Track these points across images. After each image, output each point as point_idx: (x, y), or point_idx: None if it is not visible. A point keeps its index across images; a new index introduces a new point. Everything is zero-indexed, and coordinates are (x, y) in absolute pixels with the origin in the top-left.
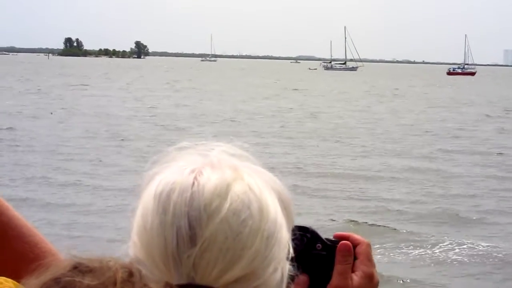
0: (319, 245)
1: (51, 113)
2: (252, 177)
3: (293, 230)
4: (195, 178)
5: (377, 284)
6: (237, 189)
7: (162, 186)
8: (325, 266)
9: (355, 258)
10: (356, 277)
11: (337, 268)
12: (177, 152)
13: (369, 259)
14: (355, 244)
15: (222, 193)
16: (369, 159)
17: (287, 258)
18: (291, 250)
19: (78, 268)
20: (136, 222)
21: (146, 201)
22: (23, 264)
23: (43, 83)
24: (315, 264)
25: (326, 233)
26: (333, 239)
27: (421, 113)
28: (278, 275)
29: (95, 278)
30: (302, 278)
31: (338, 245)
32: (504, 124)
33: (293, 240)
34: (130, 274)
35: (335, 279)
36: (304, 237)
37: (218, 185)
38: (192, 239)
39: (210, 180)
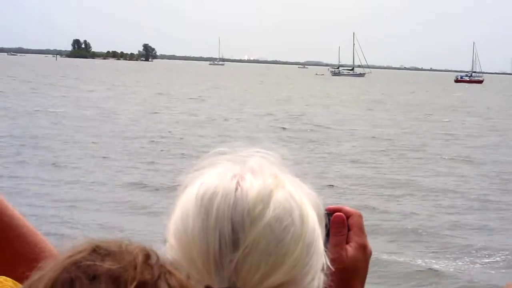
0: None
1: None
2: (292, 185)
3: None
4: (238, 183)
5: (370, 254)
6: (279, 196)
7: (204, 189)
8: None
9: (348, 229)
10: (350, 248)
11: (332, 240)
12: (215, 157)
13: (362, 230)
14: (347, 216)
15: (265, 199)
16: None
17: (322, 269)
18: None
19: (97, 251)
20: (175, 224)
21: (186, 204)
22: (24, 264)
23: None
24: None
25: None
26: (326, 212)
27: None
28: (315, 284)
29: (115, 261)
30: None
31: (332, 217)
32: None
33: None
34: (147, 256)
35: (330, 251)
36: None
37: (261, 191)
38: (235, 243)
39: (253, 186)
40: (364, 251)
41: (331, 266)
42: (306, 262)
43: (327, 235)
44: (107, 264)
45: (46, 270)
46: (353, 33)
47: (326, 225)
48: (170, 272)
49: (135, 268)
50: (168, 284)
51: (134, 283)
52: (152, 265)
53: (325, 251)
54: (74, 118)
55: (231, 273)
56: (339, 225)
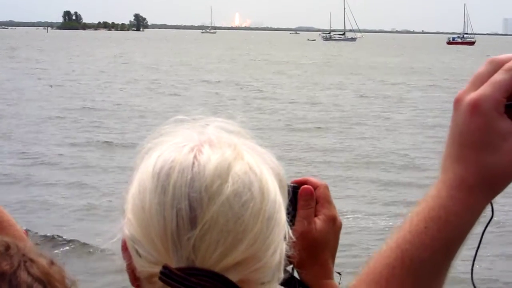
0: None
1: (50, 86)
2: (251, 156)
3: None
4: (195, 157)
5: (340, 226)
6: (237, 169)
7: (161, 164)
8: (288, 212)
9: (315, 202)
10: (319, 221)
11: (300, 213)
12: (172, 126)
13: (329, 202)
14: (313, 188)
15: (223, 173)
16: None
17: (285, 239)
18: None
19: None
20: (132, 199)
21: (143, 179)
22: None
23: None
24: None
25: None
26: (292, 185)
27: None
28: (277, 256)
29: None
30: None
31: (300, 191)
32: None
33: None
34: (7, 247)
35: (299, 224)
36: None
37: (219, 165)
38: (193, 221)
39: (210, 160)
40: (334, 223)
41: (293, 236)
42: (267, 236)
43: (294, 208)
44: None
45: None
46: None
47: (291, 199)
48: (32, 260)
49: None
50: (28, 272)
51: None
52: (12, 255)
53: (288, 221)
54: None
55: (189, 251)
56: (307, 198)
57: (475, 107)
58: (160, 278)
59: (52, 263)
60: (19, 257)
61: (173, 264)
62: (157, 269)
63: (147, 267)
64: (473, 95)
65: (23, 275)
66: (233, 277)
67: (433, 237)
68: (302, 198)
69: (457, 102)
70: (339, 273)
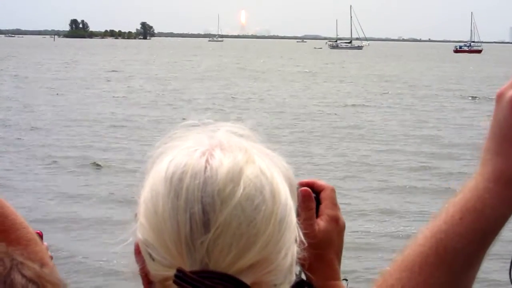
0: None
1: (57, 94)
2: (262, 159)
3: None
4: (207, 161)
5: (343, 226)
6: (249, 173)
7: (173, 168)
8: (298, 215)
9: (320, 203)
10: (321, 222)
11: (301, 215)
12: (183, 130)
13: (334, 203)
14: (319, 190)
15: (235, 177)
16: None
17: (296, 242)
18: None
19: None
20: (145, 203)
21: (156, 183)
22: None
23: None
24: None
25: None
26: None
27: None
28: (289, 259)
29: None
30: None
31: (298, 192)
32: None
33: None
34: None
35: (301, 226)
36: None
37: (231, 169)
38: (206, 224)
39: (222, 164)
40: (337, 223)
41: (303, 239)
42: (278, 239)
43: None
44: None
45: None
46: (350, 5)
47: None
48: (22, 263)
49: None
50: (22, 274)
51: None
52: (2, 258)
53: (298, 223)
54: None
55: (203, 255)
56: (306, 200)
57: None
58: (174, 281)
59: (42, 266)
60: (10, 260)
61: (187, 268)
62: (171, 272)
63: (161, 270)
64: None
65: (17, 277)
66: (247, 279)
67: (468, 228)
68: (301, 200)
69: (499, 96)
70: (345, 279)
